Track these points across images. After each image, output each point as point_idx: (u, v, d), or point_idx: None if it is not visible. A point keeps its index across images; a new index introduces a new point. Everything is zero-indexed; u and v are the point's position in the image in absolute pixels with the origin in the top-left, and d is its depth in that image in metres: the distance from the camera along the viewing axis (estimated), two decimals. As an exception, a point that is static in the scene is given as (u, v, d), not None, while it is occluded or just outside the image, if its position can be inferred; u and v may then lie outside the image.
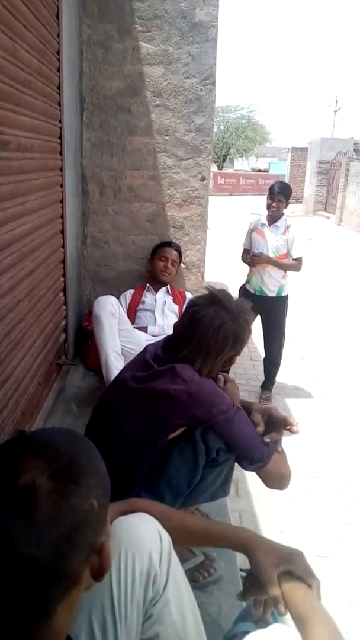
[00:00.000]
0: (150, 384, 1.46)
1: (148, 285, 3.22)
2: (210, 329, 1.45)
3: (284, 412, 1.56)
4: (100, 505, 0.67)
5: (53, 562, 0.60)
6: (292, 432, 1.50)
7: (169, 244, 3.27)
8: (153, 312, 3.08)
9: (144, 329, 3.01)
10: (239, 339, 1.49)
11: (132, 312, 3.11)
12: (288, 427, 1.49)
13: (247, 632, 0.99)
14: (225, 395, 1.49)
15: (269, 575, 0.98)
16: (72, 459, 0.66)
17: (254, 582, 1.03)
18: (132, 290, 3.23)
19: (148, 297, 3.17)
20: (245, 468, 1.50)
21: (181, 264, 3.34)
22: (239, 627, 1.13)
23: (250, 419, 1.51)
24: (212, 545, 1.19)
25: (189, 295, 3.25)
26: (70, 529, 0.62)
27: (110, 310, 2.62)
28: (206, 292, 1.57)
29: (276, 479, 1.50)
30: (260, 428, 1.49)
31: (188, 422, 1.48)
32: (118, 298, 2.96)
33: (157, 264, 3.19)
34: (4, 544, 0.58)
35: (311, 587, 0.97)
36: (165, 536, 1.02)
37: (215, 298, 1.51)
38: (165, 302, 3.13)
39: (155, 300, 3.12)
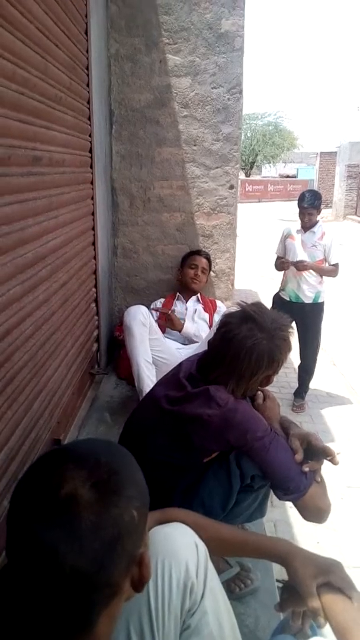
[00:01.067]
0: (183, 407, 1.41)
1: (178, 294, 3.23)
2: (243, 350, 1.36)
3: (321, 435, 1.45)
4: (140, 516, 0.67)
5: (95, 572, 0.60)
6: (333, 464, 1.39)
7: (198, 252, 3.27)
8: (184, 320, 3.09)
9: (179, 324, 3.02)
10: (275, 360, 1.40)
11: (162, 319, 3.10)
12: (329, 458, 1.38)
13: None
14: (261, 419, 1.41)
15: (308, 587, 0.97)
16: (112, 470, 0.66)
17: (292, 594, 1.01)
18: (162, 300, 3.25)
19: (178, 305, 3.18)
20: (280, 498, 1.42)
21: (211, 272, 3.34)
22: (278, 639, 1.11)
23: (288, 445, 1.41)
24: (249, 556, 1.18)
25: (219, 304, 3.25)
26: (112, 539, 0.62)
27: (141, 320, 2.64)
28: (239, 307, 1.48)
29: (313, 513, 1.41)
30: (299, 456, 1.38)
31: (222, 447, 1.42)
32: (148, 307, 2.98)
33: (187, 272, 3.19)
34: (48, 554, 0.59)
35: (351, 599, 0.95)
36: (202, 546, 1.02)
37: (247, 315, 1.41)
38: (195, 310, 3.13)
39: (186, 309, 3.13)
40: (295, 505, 1.41)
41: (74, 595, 0.60)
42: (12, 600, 0.63)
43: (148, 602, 0.92)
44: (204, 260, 3.22)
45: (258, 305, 1.49)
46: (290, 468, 1.37)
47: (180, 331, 3.01)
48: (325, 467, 1.47)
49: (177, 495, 1.44)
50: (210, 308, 3.18)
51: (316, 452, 1.41)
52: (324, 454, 1.39)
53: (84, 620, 0.62)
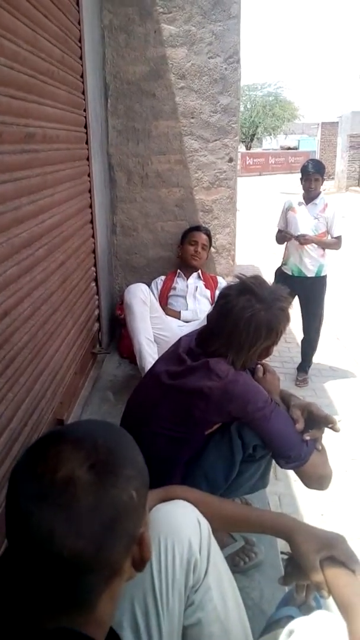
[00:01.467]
0: (183, 381, 1.42)
1: (179, 271, 3.20)
2: (241, 320, 1.37)
3: (324, 409, 1.47)
4: (139, 496, 0.67)
5: (94, 553, 0.60)
6: (334, 431, 1.41)
7: (197, 228, 3.22)
8: (185, 297, 3.07)
9: (176, 315, 3.01)
10: (274, 330, 1.41)
11: (163, 299, 3.10)
12: (330, 425, 1.40)
13: (291, 617, 0.99)
14: (262, 390, 1.42)
15: (311, 561, 0.97)
16: (109, 451, 0.66)
17: (295, 567, 1.02)
18: (163, 277, 3.23)
19: (179, 282, 3.15)
20: (281, 466, 1.44)
21: (211, 248, 3.31)
22: (282, 611, 1.12)
23: (289, 415, 1.43)
24: (252, 532, 1.19)
25: (220, 280, 3.22)
26: (110, 520, 0.62)
27: (141, 298, 2.63)
28: (237, 279, 1.49)
29: (315, 480, 1.43)
30: (300, 425, 1.40)
31: (223, 419, 1.44)
32: (149, 285, 2.95)
33: (187, 249, 3.16)
34: (46, 536, 0.59)
35: (355, 573, 0.95)
36: (204, 523, 1.02)
37: (246, 287, 1.42)
38: (197, 287, 3.11)
39: (187, 286, 3.11)
40: (297, 473, 1.43)
41: (73, 576, 0.60)
42: (13, 582, 0.63)
43: (152, 580, 0.93)
44: (204, 237, 3.18)
45: (256, 277, 1.48)
46: (291, 437, 1.38)
47: (179, 318, 3.01)
48: (330, 440, 1.49)
49: (179, 468, 1.46)
50: (211, 285, 3.15)
51: (317, 421, 1.43)
52: (325, 422, 1.41)
53: (84, 601, 0.62)
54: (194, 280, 3.15)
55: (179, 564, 0.95)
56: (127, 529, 0.65)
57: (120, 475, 0.65)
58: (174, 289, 3.14)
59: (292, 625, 0.79)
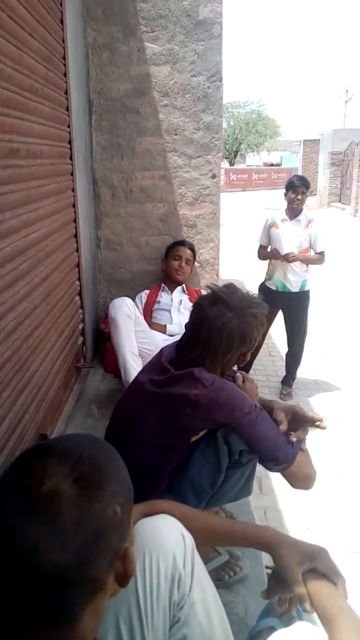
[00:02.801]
0: (168, 389, 1.44)
1: (163, 285, 3.21)
2: (214, 330, 1.41)
3: (308, 410, 1.51)
4: (124, 512, 0.67)
5: (77, 567, 0.60)
6: (321, 428, 1.46)
7: (181, 242, 3.23)
8: (169, 311, 3.08)
9: (162, 329, 3.01)
10: (247, 336, 1.44)
11: (148, 312, 3.10)
12: (317, 424, 1.45)
13: (272, 628, 0.99)
14: (246, 396, 1.46)
15: (294, 574, 0.97)
16: (95, 465, 0.66)
17: (278, 580, 1.02)
18: (147, 291, 3.23)
19: (163, 296, 3.16)
20: (269, 469, 1.48)
21: (195, 263, 3.33)
22: (263, 622, 1.12)
23: (273, 418, 1.47)
24: (236, 545, 1.18)
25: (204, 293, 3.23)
26: (94, 535, 0.62)
27: (126, 312, 2.63)
28: (209, 290, 1.52)
29: (301, 480, 1.47)
30: (283, 427, 1.45)
31: (210, 425, 1.46)
32: (133, 299, 2.96)
33: (171, 264, 3.16)
34: (30, 550, 0.59)
35: (336, 585, 0.96)
36: (189, 537, 1.02)
37: (217, 296, 1.46)
38: (181, 300, 3.13)
39: (172, 300, 3.12)
40: (284, 475, 1.47)
41: (56, 590, 0.60)
42: None
43: (137, 595, 0.92)
44: (188, 251, 3.19)
45: (228, 286, 1.52)
46: (277, 439, 1.43)
47: (165, 332, 3.01)
48: (314, 453, 1.51)
49: (164, 476, 1.46)
50: (195, 298, 3.16)
51: (302, 422, 1.47)
52: (312, 421, 1.45)
53: (67, 615, 0.62)
54: (178, 294, 3.16)
55: (164, 579, 0.94)
56: (111, 544, 0.65)
57: (105, 490, 0.65)
58: (159, 302, 3.14)
59: (273, 637, 0.79)
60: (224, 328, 1.40)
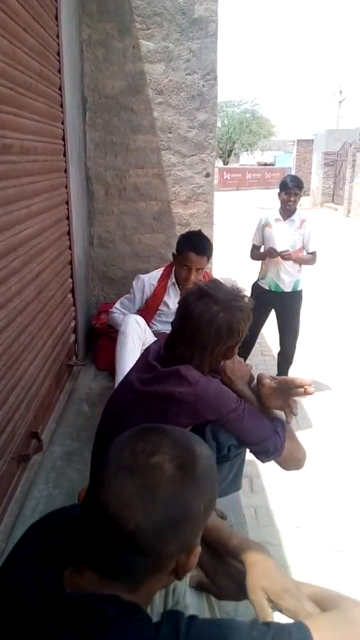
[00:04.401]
0: (155, 387, 1.45)
1: (174, 281, 2.76)
2: (201, 324, 1.40)
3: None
4: (206, 513, 0.72)
5: (152, 539, 0.66)
6: (308, 393, 1.42)
7: (195, 247, 2.59)
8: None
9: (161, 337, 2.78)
10: (234, 330, 1.43)
11: (151, 311, 2.80)
12: (304, 389, 1.40)
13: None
14: (231, 391, 1.46)
15: (257, 599, 0.88)
16: (198, 460, 0.72)
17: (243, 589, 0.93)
18: (155, 282, 2.78)
19: (172, 298, 2.77)
20: (263, 461, 1.49)
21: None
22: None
23: (261, 383, 1.47)
24: (216, 543, 1.09)
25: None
26: (177, 519, 0.68)
27: (138, 333, 2.50)
28: (195, 286, 1.52)
29: (293, 463, 1.50)
30: (269, 382, 1.44)
31: (197, 421, 1.47)
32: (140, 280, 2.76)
33: (179, 271, 2.68)
34: (122, 504, 0.65)
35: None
36: None
37: (203, 291, 1.45)
38: None
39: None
40: (276, 461, 1.48)
41: (126, 550, 0.66)
42: (79, 543, 0.71)
43: None
44: (200, 259, 2.60)
45: (213, 281, 1.53)
46: (265, 430, 1.43)
47: None
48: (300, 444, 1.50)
49: None
50: None
51: (289, 391, 1.43)
52: (300, 386, 1.40)
53: (130, 578, 0.68)
54: None
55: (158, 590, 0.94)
56: (186, 535, 0.70)
57: (198, 486, 0.71)
58: (165, 306, 2.77)
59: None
60: (211, 322, 1.40)
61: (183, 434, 0.79)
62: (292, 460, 1.49)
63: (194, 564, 0.73)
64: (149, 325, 2.77)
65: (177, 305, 2.64)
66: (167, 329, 2.52)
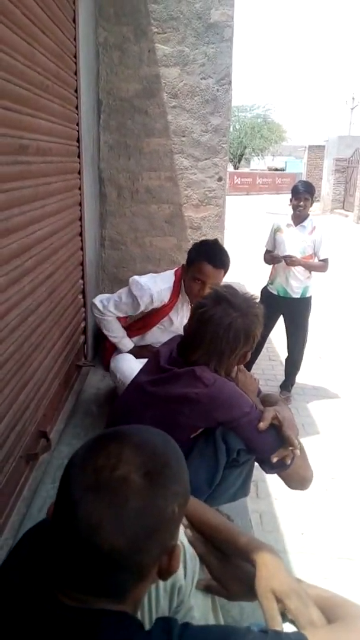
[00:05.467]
0: (168, 388, 1.45)
1: (186, 299, 2.48)
2: (221, 328, 1.42)
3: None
4: (180, 512, 0.71)
5: (129, 554, 0.64)
6: (292, 454, 1.42)
7: (211, 259, 2.27)
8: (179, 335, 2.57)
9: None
10: (251, 335, 1.46)
11: (152, 323, 2.60)
12: (290, 448, 1.41)
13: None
14: (246, 396, 1.46)
15: (268, 605, 0.89)
16: (165, 464, 0.70)
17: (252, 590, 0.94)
18: (167, 295, 2.46)
19: (179, 315, 2.54)
20: (267, 471, 1.48)
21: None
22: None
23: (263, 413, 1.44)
24: (222, 542, 1.09)
25: None
26: (151, 528, 0.66)
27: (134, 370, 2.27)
28: (211, 290, 1.55)
29: (298, 481, 1.48)
30: (263, 425, 1.40)
31: (208, 424, 1.47)
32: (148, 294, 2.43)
33: (190, 285, 2.35)
34: (93, 527, 0.63)
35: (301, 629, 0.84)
36: (187, 545, 1.01)
37: (221, 296, 1.47)
38: None
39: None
40: (281, 476, 1.47)
41: (106, 570, 0.64)
42: (49, 561, 0.68)
43: None
44: (217, 273, 2.29)
45: (229, 287, 1.54)
46: (275, 441, 1.41)
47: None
48: (310, 458, 1.50)
49: None
50: None
51: (282, 438, 1.42)
52: (287, 442, 1.40)
53: (115, 592, 0.66)
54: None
55: (163, 589, 0.95)
56: (163, 539, 0.69)
57: (169, 489, 0.68)
58: (170, 320, 2.56)
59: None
60: (230, 327, 1.42)
61: (144, 434, 0.76)
62: (298, 479, 1.47)
63: (177, 565, 0.73)
64: (144, 334, 2.64)
65: (182, 322, 2.49)
66: (160, 341, 2.31)
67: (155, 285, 2.45)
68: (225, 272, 2.35)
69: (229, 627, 0.76)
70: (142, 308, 2.48)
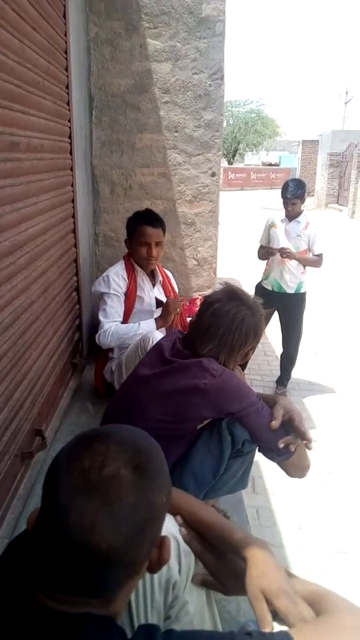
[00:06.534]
0: (175, 379, 1.46)
1: (139, 271, 2.61)
2: (234, 323, 1.46)
3: (302, 424, 1.49)
4: (167, 503, 0.72)
5: (125, 550, 0.64)
6: (307, 448, 1.47)
7: (148, 221, 2.51)
8: (151, 312, 2.66)
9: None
10: (258, 333, 1.52)
11: (128, 314, 2.61)
12: (305, 442, 1.45)
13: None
14: (250, 387, 1.50)
15: (258, 606, 0.88)
16: (149, 458, 0.71)
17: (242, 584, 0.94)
18: (123, 270, 2.58)
19: (145, 290, 2.62)
20: (272, 459, 1.50)
21: (193, 260, 3.31)
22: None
23: (272, 411, 1.47)
24: (216, 538, 1.08)
25: (169, 274, 2.88)
26: (144, 522, 0.66)
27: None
28: (223, 286, 1.59)
29: (299, 469, 1.50)
30: (276, 423, 1.43)
31: (216, 414, 1.48)
32: (106, 279, 2.54)
33: (138, 252, 2.53)
34: (86, 529, 0.62)
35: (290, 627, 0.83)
36: (182, 542, 1.01)
37: (234, 293, 1.53)
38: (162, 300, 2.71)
39: (153, 298, 2.68)
40: (283, 465, 1.49)
41: (101, 569, 0.64)
42: (33, 567, 0.67)
43: (129, 602, 0.92)
44: (156, 232, 2.50)
45: (230, 285, 1.59)
46: (279, 430, 1.44)
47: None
48: (308, 453, 1.50)
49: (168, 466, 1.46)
50: (168, 286, 2.79)
51: (295, 431, 1.46)
52: (301, 436, 1.45)
53: (106, 593, 0.66)
54: (159, 290, 2.73)
55: (158, 585, 0.95)
56: (154, 531, 0.70)
57: (156, 482, 0.69)
58: (140, 300, 2.62)
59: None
60: (243, 323, 1.47)
61: (124, 432, 0.76)
62: (299, 467, 1.50)
63: (168, 555, 0.73)
64: (127, 322, 2.61)
65: (150, 296, 2.64)
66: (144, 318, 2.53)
67: (109, 271, 2.61)
68: (163, 232, 2.55)
69: (212, 632, 0.76)
70: (119, 295, 2.55)
